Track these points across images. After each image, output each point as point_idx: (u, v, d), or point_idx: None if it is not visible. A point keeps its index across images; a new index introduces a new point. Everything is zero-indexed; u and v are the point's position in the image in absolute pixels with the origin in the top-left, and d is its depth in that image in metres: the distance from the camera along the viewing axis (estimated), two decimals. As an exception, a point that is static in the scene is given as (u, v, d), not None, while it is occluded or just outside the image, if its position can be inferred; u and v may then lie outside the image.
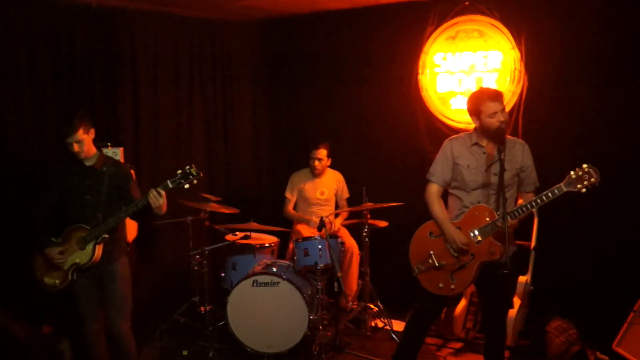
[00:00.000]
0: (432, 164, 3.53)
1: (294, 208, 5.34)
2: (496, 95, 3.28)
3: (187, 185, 3.34)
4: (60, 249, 3.42)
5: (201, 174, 3.36)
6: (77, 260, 3.41)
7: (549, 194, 3.09)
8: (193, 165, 3.35)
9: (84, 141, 3.39)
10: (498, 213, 3.24)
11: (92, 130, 3.46)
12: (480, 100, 3.29)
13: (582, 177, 3.03)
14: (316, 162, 5.14)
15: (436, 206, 3.46)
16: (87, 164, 3.49)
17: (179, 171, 3.35)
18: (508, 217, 3.13)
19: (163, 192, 3.32)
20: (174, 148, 5.29)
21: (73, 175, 3.48)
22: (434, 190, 3.49)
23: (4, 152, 4.25)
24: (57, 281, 3.46)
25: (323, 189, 5.23)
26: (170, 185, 3.34)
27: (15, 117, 4.30)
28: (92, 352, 3.61)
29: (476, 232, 3.30)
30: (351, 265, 5.02)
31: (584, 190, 3.03)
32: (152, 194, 3.30)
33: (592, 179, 3.02)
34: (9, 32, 4.23)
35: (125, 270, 3.58)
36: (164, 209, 3.39)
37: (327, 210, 5.23)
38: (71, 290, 3.50)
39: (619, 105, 4.30)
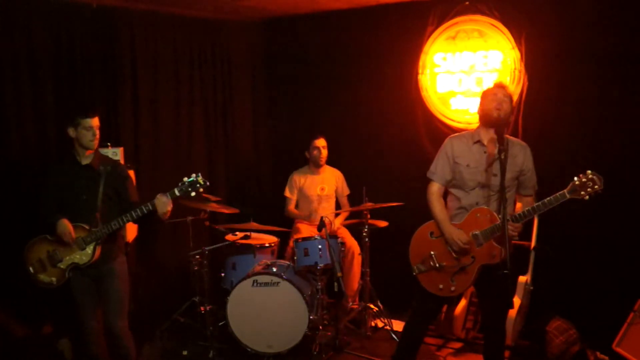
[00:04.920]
0: (433, 162, 3.52)
1: (296, 208, 5.34)
2: (501, 84, 3.34)
3: (193, 194, 3.35)
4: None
5: (208, 183, 3.36)
6: (76, 260, 3.41)
7: (552, 200, 3.07)
8: (200, 174, 3.36)
9: (98, 129, 3.45)
10: (500, 216, 3.22)
11: None
12: (487, 89, 3.35)
13: (585, 184, 3.01)
14: (322, 151, 5.13)
15: (437, 206, 3.45)
16: (84, 162, 3.49)
17: (186, 179, 3.35)
18: (510, 219, 3.14)
19: (170, 199, 3.33)
20: (174, 148, 5.29)
21: (69, 174, 3.48)
22: (434, 189, 3.48)
23: (3, 152, 4.25)
24: (54, 279, 3.45)
25: (323, 185, 5.24)
26: (177, 193, 3.35)
27: (16, 117, 4.30)
28: (92, 351, 3.60)
29: (478, 235, 3.30)
30: (352, 266, 5.01)
31: (587, 197, 3.02)
32: (162, 199, 3.31)
33: (596, 187, 3.00)
34: (9, 32, 4.23)
35: (123, 269, 3.57)
36: (169, 214, 3.39)
37: (328, 207, 5.23)
38: (69, 289, 3.49)
39: (619, 105, 4.29)
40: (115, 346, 3.57)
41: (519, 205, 3.42)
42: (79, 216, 3.41)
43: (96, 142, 3.46)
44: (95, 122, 3.43)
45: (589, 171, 3.03)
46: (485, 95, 3.34)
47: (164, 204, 3.32)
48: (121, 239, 3.67)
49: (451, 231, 3.35)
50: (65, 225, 3.35)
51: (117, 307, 3.51)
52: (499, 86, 3.32)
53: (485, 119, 3.32)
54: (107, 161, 3.57)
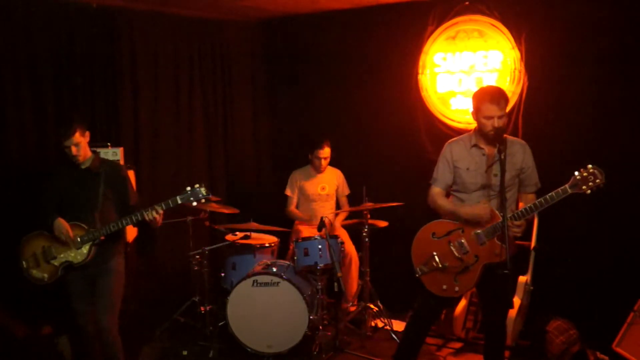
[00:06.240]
0: (435, 168, 3.52)
1: (296, 207, 5.34)
2: (498, 98, 3.20)
3: (195, 203, 3.36)
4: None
5: (210, 196, 3.38)
6: (71, 259, 3.42)
7: (554, 195, 3.06)
8: (203, 185, 3.37)
9: (81, 144, 3.42)
10: (502, 214, 3.21)
11: (88, 133, 3.49)
12: (482, 99, 3.25)
13: (587, 178, 2.99)
14: (322, 162, 5.12)
15: (442, 202, 3.45)
16: (82, 166, 3.50)
17: (188, 188, 3.37)
18: (514, 216, 3.14)
19: (161, 212, 3.36)
20: (174, 148, 5.29)
21: (69, 178, 3.50)
22: (436, 191, 3.49)
23: (3, 152, 4.25)
24: (46, 275, 3.46)
25: (324, 185, 5.23)
26: (179, 201, 3.36)
27: (16, 116, 4.30)
28: (90, 351, 3.60)
29: (480, 234, 3.30)
30: (350, 270, 5.00)
31: (589, 191, 3.00)
32: (151, 214, 3.34)
33: (597, 180, 2.98)
34: (9, 32, 4.23)
35: (120, 269, 3.57)
36: (160, 222, 3.42)
37: (329, 207, 5.23)
38: (67, 292, 3.50)
39: (619, 105, 4.29)
40: (101, 342, 3.51)
41: (521, 205, 3.41)
42: (78, 217, 3.42)
43: (80, 157, 3.44)
44: (72, 140, 3.37)
45: (590, 165, 3.01)
46: (480, 108, 3.23)
47: (154, 218, 3.36)
48: (121, 240, 3.67)
49: (468, 210, 3.30)
50: (62, 223, 3.37)
51: (107, 302, 3.47)
52: (496, 101, 3.19)
53: (481, 132, 3.32)
54: (105, 163, 3.59)
